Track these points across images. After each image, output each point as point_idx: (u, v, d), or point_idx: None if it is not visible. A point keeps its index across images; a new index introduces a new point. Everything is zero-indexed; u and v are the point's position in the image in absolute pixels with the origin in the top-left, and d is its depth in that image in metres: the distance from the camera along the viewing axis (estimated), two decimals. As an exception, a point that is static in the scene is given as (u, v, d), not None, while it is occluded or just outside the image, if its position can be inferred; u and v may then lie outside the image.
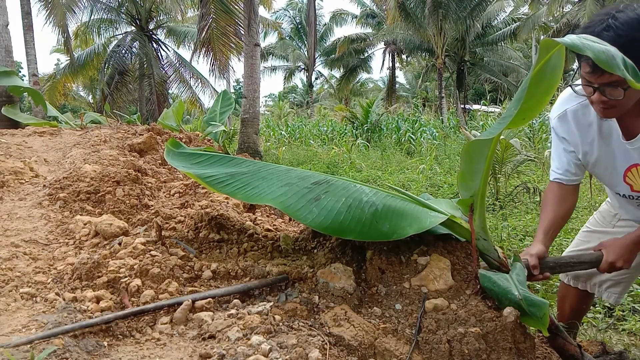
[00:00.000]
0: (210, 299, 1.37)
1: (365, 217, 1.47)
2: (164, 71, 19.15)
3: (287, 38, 33.56)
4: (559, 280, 2.25)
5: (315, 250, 1.74)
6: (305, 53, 32.38)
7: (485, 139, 1.44)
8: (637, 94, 1.47)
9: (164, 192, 2.53)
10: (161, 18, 20.28)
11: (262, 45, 25.21)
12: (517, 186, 5.50)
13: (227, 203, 2.21)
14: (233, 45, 10.29)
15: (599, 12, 1.51)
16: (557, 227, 1.81)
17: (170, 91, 19.72)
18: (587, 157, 1.75)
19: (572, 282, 2.07)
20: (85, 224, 1.90)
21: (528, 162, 6.09)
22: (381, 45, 31.06)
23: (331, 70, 36.10)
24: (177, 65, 19.62)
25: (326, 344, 1.22)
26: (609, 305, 2.68)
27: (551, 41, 1.21)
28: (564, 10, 20.88)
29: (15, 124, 5.75)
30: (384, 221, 1.47)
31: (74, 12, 15.61)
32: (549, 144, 8.07)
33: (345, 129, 14.89)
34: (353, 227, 1.45)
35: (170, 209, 2.12)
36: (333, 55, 31.80)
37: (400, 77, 41.22)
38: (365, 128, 13.80)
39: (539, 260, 1.64)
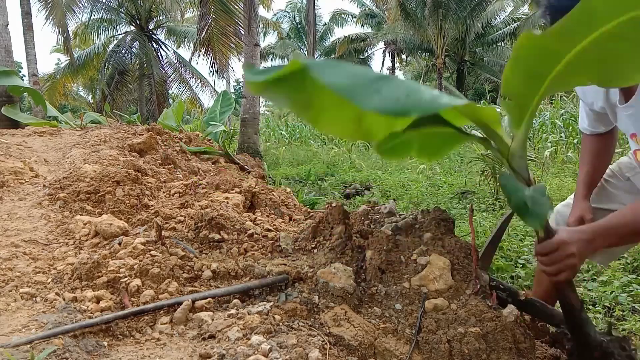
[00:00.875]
0: (210, 299, 1.37)
1: None
2: (163, 71, 19.16)
3: (287, 38, 33.59)
4: None
5: (315, 250, 1.74)
6: (305, 53, 32.38)
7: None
8: None
9: (164, 192, 2.53)
10: (161, 18, 20.29)
11: (262, 45, 25.22)
12: (517, 186, 5.49)
13: (227, 203, 2.21)
14: (233, 45, 10.28)
15: None
16: (598, 178, 1.80)
17: (170, 91, 19.73)
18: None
19: None
20: (85, 224, 1.90)
21: (528, 162, 6.09)
22: (381, 45, 31.10)
23: (331, 70, 36.00)
24: (177, 65, 19.63)
25: (326, 344, 1.22)
26: (609, 305, 2.68)
27: None
28: (564, 10, 20.84)
29: (15, 124, 5.75)
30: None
31: (74, 12, 15.62)
32: (549, 144, 8.08)
33: (345, 129, 14.83)
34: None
35: (170, 209, 2.12)
36: (333, 55, 31.81)
37: (400, 77, 41.23)
38: (365, 128, 13.76)
39: (587, 219, 1.65)
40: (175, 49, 20.15)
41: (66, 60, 18.88)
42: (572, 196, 1.97)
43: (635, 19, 0.81)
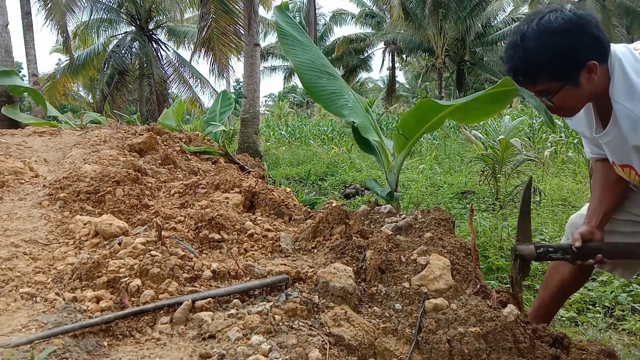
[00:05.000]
0: (210, 299, 1.38)
1: None
2: (163, 71, 19.15)
3: (287, 38, 33.52)
4: None
5: (315, 250, 1.74)
6: (305, 53, 32.28)
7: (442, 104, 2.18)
8: (575, 95, 1.46)
9: (164, 192, 2.53)
10: (161, 18, 20.29)
11: (262, 45, 25.23)
12: (517, 186, 5.49)
13: (227, 203, 2.21)
14: (233, 45, 10.28)
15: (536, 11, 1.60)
16: (606, 205, 1.72)
17: (170, 91, 19.72)
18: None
19: None
20: (85, 224, 1.90)
21: (528, 162, 6.08)
22: (381, 45, 31.08)
23: (331, 70, 35.97)
24: (177, 65, 19.63)
25: (326, 343, 1.22)
26: (609, 305, 2.68)
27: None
28: (564, 10, 20.85)
29: (15, 124, 5.75)
30: None
31: (74, 12, 15.61)
32: (549, 144, 8.08)
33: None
34: None
35: (170, 209, 2.12)
36: (333, 55, 31.78)
37: (400, 76, 41.25)
38: (365, 128, 13.75)
39: (583, 239, 1.62)
40: (175, 49, 20.15)
41: (66, 61, 18.89)
42: (586, 206, 1.92)
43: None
